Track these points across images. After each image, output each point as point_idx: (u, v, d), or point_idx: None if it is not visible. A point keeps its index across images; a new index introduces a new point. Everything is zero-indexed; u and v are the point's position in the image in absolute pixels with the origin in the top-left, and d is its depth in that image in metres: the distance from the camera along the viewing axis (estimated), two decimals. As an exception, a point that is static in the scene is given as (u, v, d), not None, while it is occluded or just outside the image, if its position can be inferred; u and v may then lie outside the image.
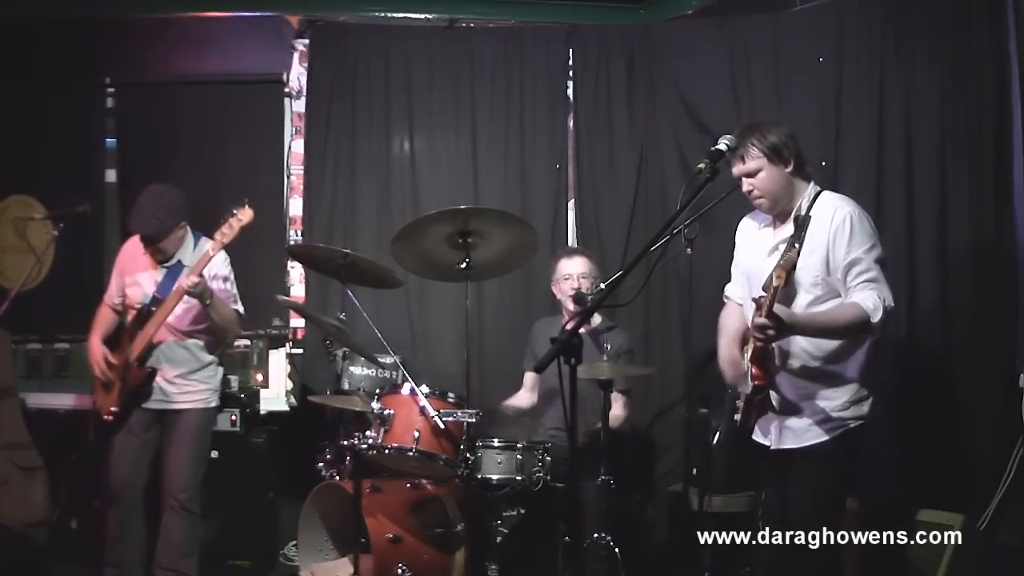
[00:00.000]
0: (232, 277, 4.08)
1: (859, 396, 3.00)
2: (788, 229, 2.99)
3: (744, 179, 3.05)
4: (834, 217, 2.93)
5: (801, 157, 3.05)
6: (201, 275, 3.77)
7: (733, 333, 3.20)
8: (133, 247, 4.11)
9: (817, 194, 3.04)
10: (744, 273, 3.25)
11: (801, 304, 2.98)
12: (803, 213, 2.96)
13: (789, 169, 3.01)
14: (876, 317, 2.83)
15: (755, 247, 3.18)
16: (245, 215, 3.79)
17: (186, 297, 3.82)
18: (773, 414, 3.04)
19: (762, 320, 2.74)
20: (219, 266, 3.98)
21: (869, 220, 2.99)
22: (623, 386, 4.14)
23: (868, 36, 4.39)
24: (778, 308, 2.77)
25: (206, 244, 3.89)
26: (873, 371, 3.04)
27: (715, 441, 3.63)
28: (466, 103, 5.06)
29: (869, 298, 2.84)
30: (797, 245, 2.78)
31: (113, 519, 3.96)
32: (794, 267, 2.77)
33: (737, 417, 3.06)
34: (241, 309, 4.09)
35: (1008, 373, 3.93)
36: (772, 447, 3.09)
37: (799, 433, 3.02)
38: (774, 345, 2.90)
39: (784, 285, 2.78)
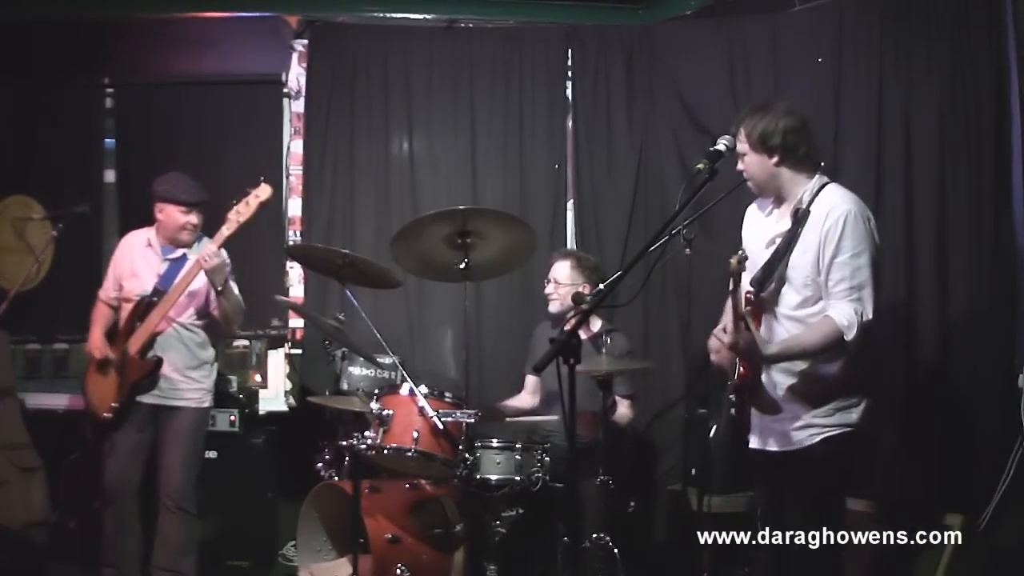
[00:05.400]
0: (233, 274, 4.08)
1: (846, 403, 2.90)
2: (786, 223, 2.96)
3: (739, 156, 3.02)
4: (828, 216, 2.84)
5: (793, 151, 2.93)
6: (220, 248, 3.76)
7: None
8: (131, 242, 4.12)
9: (822, 187, 2.94)
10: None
11: (790, 304, 2.92)
12: (803, 207, 2.90)
13: (773, 160, 2.93)
14: (850, 334, 2.77)
15: (757, 235, 3.12)
16: (263, 191, 3.78)
17: (192, 286, 3.83)
18: (758, 414, 3.00)
19: (732, 340, 2.80)
20: (225, 257, 3.98)
21: (867, 220, 2.88)
22: (627, 390, 4.14)
23: (867, 37, 4.39)
24: (753, 337, 2.80)
25: (206, 241, 3.92)
26: (862, 376, 2.95)
27: (711, 435, 3.63)
28: (465, 103, 5.07)
29: (845, 313, 2.77)
30: (802, 227, 2.72)
31: (109, 519, 3.96)
32: (736, 273, 2.78)
33: (733, 411, 3.01)
34: (242, 304, 4.08)
35: (1008, 373, 3.93)
36: (758, 448, 3.05)
37: (781, 437, 2.96)
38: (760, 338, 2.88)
39: (736, 287, 2.81)
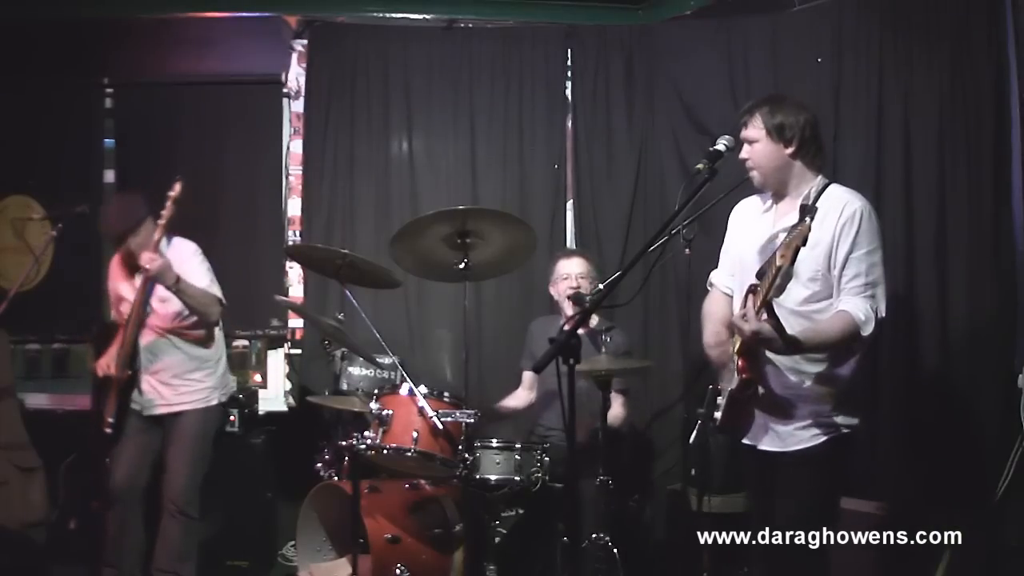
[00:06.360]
0: (206, 263, 4.05)
1: (849, 401, 2.88)
2: (791, 218, 2.80)
3: (744, 144, 2.96)
4: (843, 211, 2.81)
5: (809, 145, 2.92)
6: (156, 251, 3.78)
7: (721, 319, 3.06)
8: (116, 262, 4.13)
9: (826, 186, 2.92)
10: (737, 260, 3.10)
11: (796, 299, 2.86)
12: (810, 203, 2.79)
13: (788, 151, 2.90)
14: (867, 330, 2.73)
15: (753, 232, 3.04)
16: (174, 189, 3.84)
17: (161, 291, 3.85)
18: (759, 413, 2.94)
19: (756, 327, 2.66)
20: (189, 253, 4.00)
21: (877, 218, 2.87)
22: (621, 385, 4.14)
23: (867, 37, 4.39)
24: (779, 323, 2.68)
25: (181, 244, 3.98)
26: (865, 376, 2.96)
27: (691, 440, 3.58)
28: (464, 103, 5.07)
29: (861, 308, 2.74)
30: (809, 219, 2.58)
31: (112, 520, 3.95)
32: (804, 242, 2.55)
33: (717, 415, 2.96)
34: (219, 293, 4.01)
35: (1008, 373, 3.92)
36: (757, 447, 2.99)
37: (784, 437, 2.91)
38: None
39: (789, 265, 2.60)
